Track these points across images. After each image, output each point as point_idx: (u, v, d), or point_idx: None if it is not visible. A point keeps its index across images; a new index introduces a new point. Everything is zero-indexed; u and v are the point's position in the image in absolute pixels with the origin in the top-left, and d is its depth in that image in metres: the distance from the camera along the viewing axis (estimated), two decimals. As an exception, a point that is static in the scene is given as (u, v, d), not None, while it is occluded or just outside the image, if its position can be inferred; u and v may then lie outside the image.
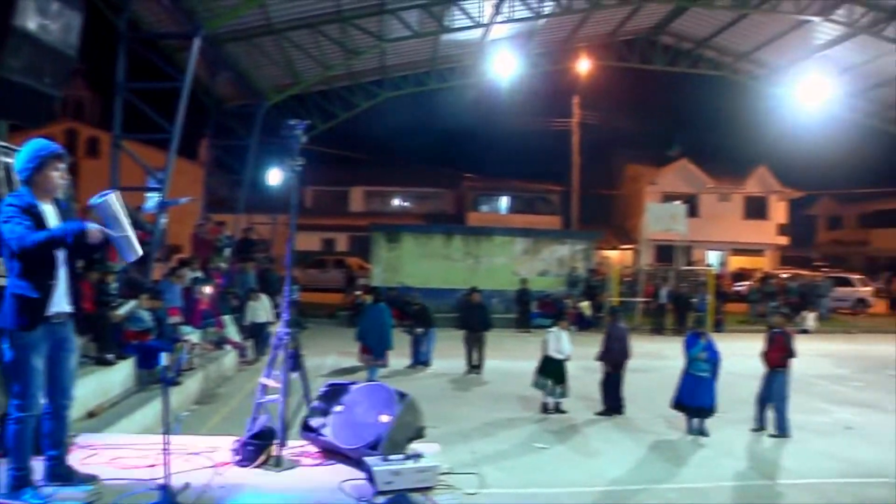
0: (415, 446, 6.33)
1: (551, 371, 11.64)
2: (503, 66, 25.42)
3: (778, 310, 13.50)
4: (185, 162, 25.42)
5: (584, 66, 30.07)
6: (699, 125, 60.50)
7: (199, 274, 15.21)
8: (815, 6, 22.17)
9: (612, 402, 11.74)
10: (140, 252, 4.55)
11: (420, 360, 16.00)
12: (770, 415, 10.75)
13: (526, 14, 22.65)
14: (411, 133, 57.45)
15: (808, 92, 26.53)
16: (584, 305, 23.21)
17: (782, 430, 10.56)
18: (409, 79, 28.20)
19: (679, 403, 10.60)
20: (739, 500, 8.09)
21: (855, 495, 8.21)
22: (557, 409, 11.66)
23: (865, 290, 33.90)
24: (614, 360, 11.71)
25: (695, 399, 10.42)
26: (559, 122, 39.57)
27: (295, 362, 6.71)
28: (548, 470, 8.80)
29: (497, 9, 22.12)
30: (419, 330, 16.20)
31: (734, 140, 53.01)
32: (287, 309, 7.35)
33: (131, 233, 4.45)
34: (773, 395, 10.65)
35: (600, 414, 11.62)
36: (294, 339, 6.80)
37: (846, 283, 33.89)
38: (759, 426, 10.81)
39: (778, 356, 10.68)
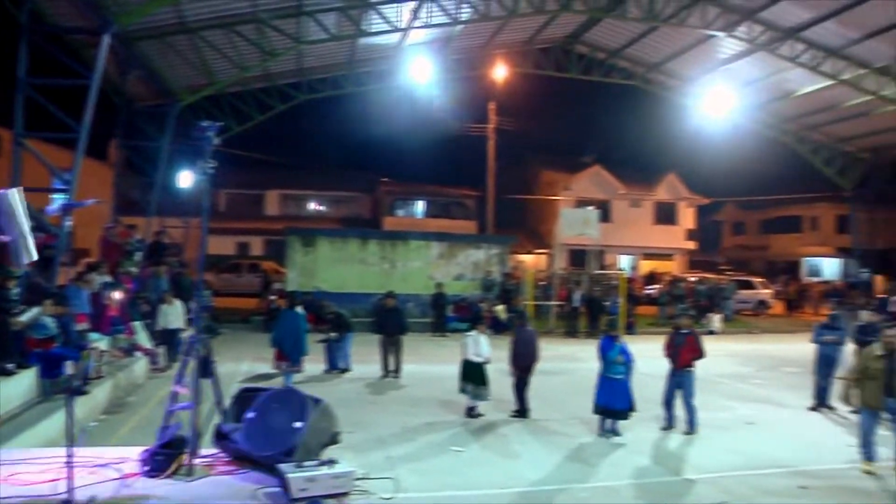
0: (330, 452, 6.30)
1: (471, 374, 11.73)
2: (421, 70, 25.53)
3: (686, 312, 13.95)
4: (93, 163, 24.54)
5: (500, 72, 30.46)
6: (612, 133, 62.12)
7: (107, 279, 14.74)
8: (719, 22, 23.14)
9: (523, 404, 11.94)
10: (35, 256, 4.39)
11: (334, 365, 15.87)
12: (679, 413, 11.13)
13: (443, 20, 22.84)
14: (328, 136, 57.21)
15: (713, 103, 27.62)
16: (500, 309, 23.47)
17: (692, 427, 10.97)
18: (327, 81, 28.04)
19: (600, 407, 10.77)
20: (649, 497, 8.30)
21: (755, 486, 8.56)
22: (473, 412, 11.74)
23: (766, 293, 35.45)
24: (523, 363, 11.87)
25: (614, 402, 10.64)
26: (476, 128, 39.90)
27: (207, 369, 6.60)
28: (465, 473, 8.86)
29: (415, 14, 22.22)
30: (333, 335, 16.07)
31: (645, 148, 54.70)
32: (199, 314, 7.22)
33: (29, 234, 4.29)
34: (685, 393, 11.06)
35: (515, 415, 11.79)
36: (206, 345, 6.68)
37: (749, 285, 35.37)
38: (668, 424, 11.18)
39: (689, 356, 11.07)
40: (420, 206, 47.43)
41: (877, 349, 9.18)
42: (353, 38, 23.46)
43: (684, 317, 12.11)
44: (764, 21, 23.50)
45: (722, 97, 27.45)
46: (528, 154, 49.46)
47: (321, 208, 51.33)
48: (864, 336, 12.66)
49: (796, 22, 23.19)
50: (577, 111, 54.14)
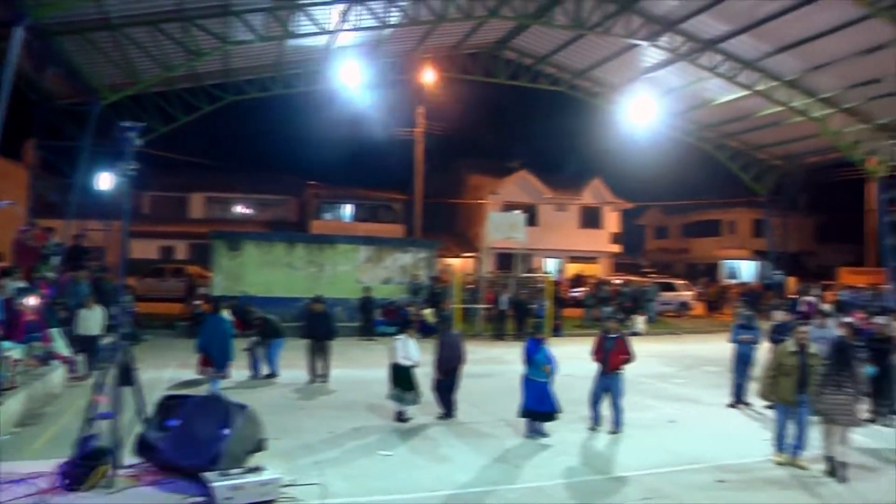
0: (256, 459, 6.26)
1: (401, 378, 11.73)
2: (349, 73, 25.44)
3: (614, 315, 14.23)
4: (6, 163, 23.62)
5: (429, 76, 30.56)
6: (539, 138, 63.02)
7: (22, 284, 14.21)
8: (642, 32, 23.76)
9: (448, 406, 12.02)
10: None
11: (257, 370, 15.64)
12: (606, 413, 11.39)
13: (372, 23, 22.80)
14: (255, 139, 56.37)
15: (637, 110, 28.35)
16: (428, 313, 23.53)
17: (618, 427, 11.24)
18: (254, 83, 27.67)
19: (526, 409, 10.89)
20: (576, 496, 8.44)
21: (677, 483, 8.83)
22: (403, 417, 11.75)
23: (687, 294, 36.48)
24: (449, 365, 11.95)
25: (540, 404, 10.78)
26: (404, 132, 39.93)
27: (128, 376, 6.45)
28: (393, 477, 8.87)
29: (343, 16, 22.12)
30: (255, 339, 15.86)
31: (571, 153, 55.60)
32: (120, 320, 7.05)
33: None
34: (614, 395, 11.31)
35: (441, 418, 11.85)
36: (127, 352, 6.54)
37: (671, 288, 36.34)
38: (595, 425, 11.41)
39: (619, 360, 11.33)
40: (348, 210, 47.19)
41: (790, 346, 9.59)
42: (281, 40, 23.21)
43: (613, 321, 12.36)
44: (685, 32, 24.25)
45: (645, 104, 28.25)
46: (455, 158, 49.81)
47: (248, 211, 50.57)
48: (778, 335, 13.16)
49: (715, 34, 24.01)
50: (505, 116, 54.80)
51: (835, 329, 13.21)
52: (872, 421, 12.00)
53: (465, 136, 50.01)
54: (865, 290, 31.58)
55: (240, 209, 50.66)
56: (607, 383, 11.36)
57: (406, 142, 40.04)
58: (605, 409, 11.43)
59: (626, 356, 11.38)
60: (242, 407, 6.55)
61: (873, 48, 22.17)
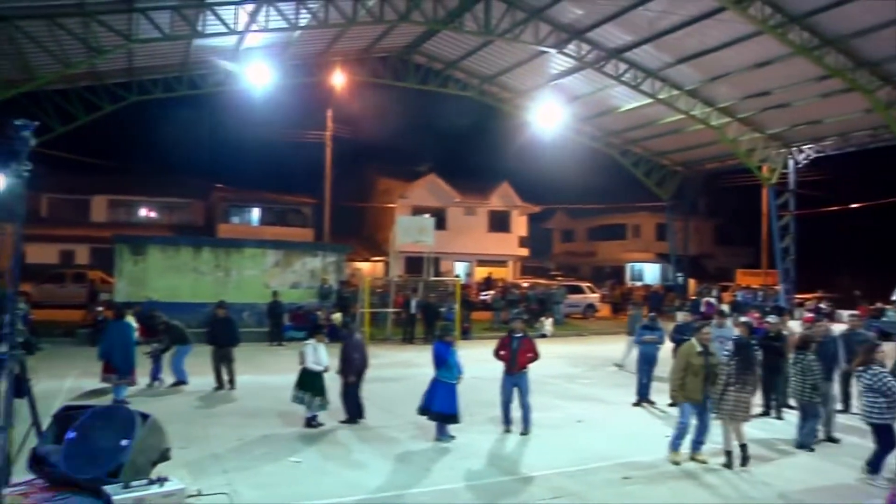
0: (160, 470, 6.07)
1: (310, 383, 11.58)
2: (258, 75, 25.05)
3: (520, 316, 14.42)
4: None
5: (339, 79, 30.37)
6: (448, 142, 63.32)
7: None
8: (550, 39, 24.25)
9: (354, 410, 11.97)
10: None
11: (157, 377, 15.16)
12: (515, 414, 11.53)
13: (282, 25, 22.47)
14: (161, 140, 54.81)
15: (544, 116, 28.89)
16: (337, 317, 23.35)
17: (527, 427, 11.40)
18: (159, 83, 26.92)
19: (434, 412, 10.85)
20: (485, 497, 8.49)
21: (584, 481, 8.99)
22: (313, 423, 11.61)
23: (594, 297, 37.36)
24: (354, 370, 11.90)
25: (447, 406, 10.79)
26: (313, 135, 39.56)
27: (21, 388, 6.17)
28: (303, 483, 8.74)
29: (252, 17, 21.73)
30: (156, 346, 15.38)
31: (480, 157, 56.20)
32: (13, 329, 6.73)
33: None
34: (522, 393, 11.43)
35: (344, 422, 11.77)
36: (20, 362, 6.26)
37: (578, 290, 37.13)
38: (506, 426, 11.54)
39: (526, 359, 11.48)
40: (256, 214, 46.45)
41: (696, 346, 9.90)
42: (188, 39, 22.66)
43: (519, 321, 12.53)
44: (591, 41, 24.88)
45: (552, 110, 28.83)
46: (365, 162, 49.66)
47: (152, 215, 49.13)
48: (680, 335, 13.60)
49: (619, 43, 24.73)
50: (415, 120, 54.77)
51: (733, 328, 13.75)
52: (765, 414, 12.60)
53: (374, 139, 49.91)
54: (760, 291, 33.07)
55: (144, 212, 49.15)
56: (514, 382, 11.50)
57: (316, 145, 39.72)
58: (515, 410, 11.58)
59: (532, 355, 11.56)
60: (145, 416, 6.33)
61: (764, 62, 23.36)
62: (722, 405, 9.64)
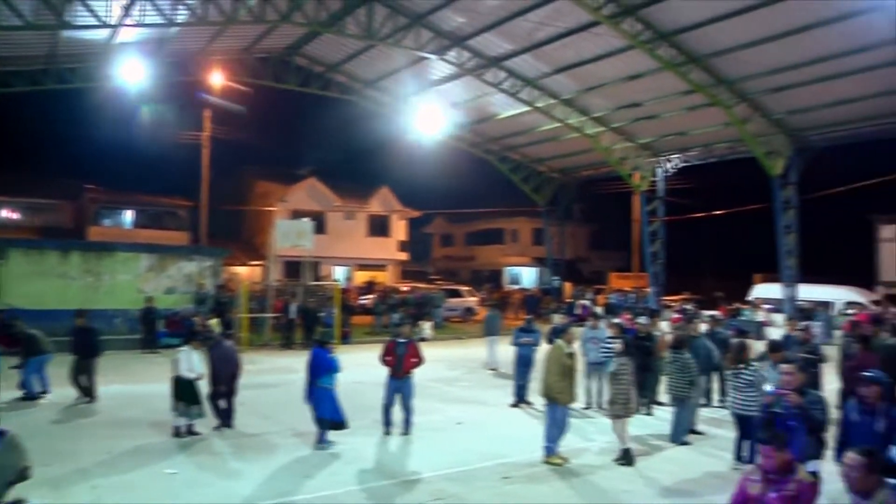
0: (19, 490, 5.74)
1: (184, 392, 11.23)
2: (131, 71, 24.03)
3: (405, 321, 14.49)
4: None
5: (217, 79, 29.55)
6: (329, 146, 62.94)
7: None
8: (431, 46, 24.47)
9: (226, 417, 11.74)
10: None
11: (30, 390, 14.29)
12: (397, 419, 11.61)
13: (158, 20, 21.54)
14: (25, 137, 51.73)
15: (425, 121, 29.14)
16: (214, 323, 22.69)
17: (408, 429, 11.54)
18: (22, 75, 25.39)
19: (318, 418, 10.79)
20: (367, 502, 8.52)
21: (465, 482, 9.16)
22: (190, 432, 11.26)
23: (472, 300, 37.94)
24: (223, 377, 11.66)
25: (329, 411, 10.74)
26: (190, 136, 38.36)
27: None
28: (180, 496, 8.50)
29: (126, 11, 20.73)
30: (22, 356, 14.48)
31: (361, 162, 56.03)
32: None
33: None
34: (405, 397, 11.59)
35: (217, 429, 11.52)
36: None
37: (457, 294, 37.64)
38: (387, 430, 11.59)
39: (412, 363, 11.62)
40: (129, 216, 44.47)
41: (564, 347, 10.20)
42: (55, 30, 21.46)
43: (406, 326, 12.61)
44: (472, 48, 25.29)
45: (433, 115, 29.11)
46: (244, 164, 48.65)
47: (15, 216, 46.12)
48: (556, 337, 14.00)
49: (500, 52, 25.25)
50: (295, 123, 54.24)
51: (606, 330, 14.27)
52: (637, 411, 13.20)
53: (254, 141, 49.04)
54: (631, 294, 34.46)
55: (6, 214, 46.13)
56: (398, 386, 11.60)
57: (192, 146, 38.54)
58: (397, 413, 11.63)
59: (417, 360, 11.74)
60: (2, 433, 5.96)
61: (635, 75, 24.45)
62: (612, 403, 10.03)
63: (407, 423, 11.61)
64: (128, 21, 21.11)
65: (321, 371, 10.81)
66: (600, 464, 10.03)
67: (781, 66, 21.91)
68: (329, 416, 10.74)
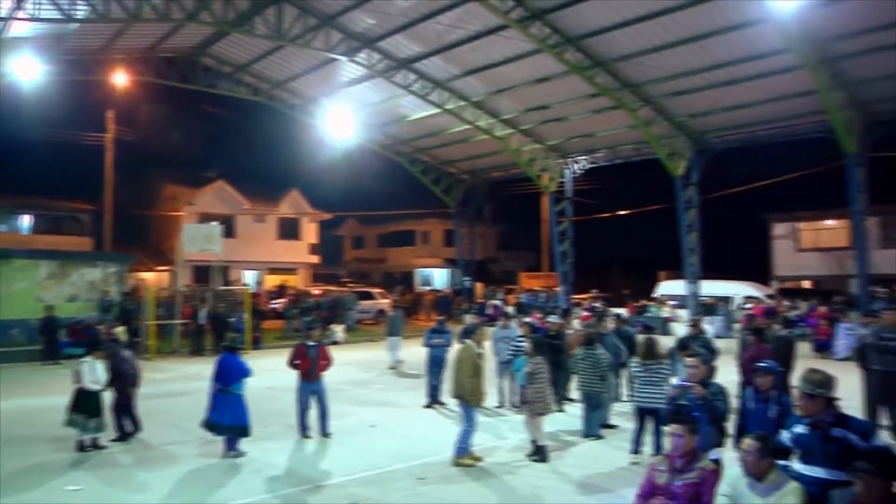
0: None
1: (86, 404, 10.79)
2: (24, 68, 22.94)
3: (315, 324, 14.38)
4: None
5: (120, 78, 28.52)
6: (238, 148, 61.71)
7: None
8: (341, 47, 24.37)
9: (129, 428, 11.46)
10: None
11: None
12: (312, 422, 11.55)
13: (54, 14, 20.62)
14: None
15: (335, 123, 29.01)
16: (120, 331, 21.97)
17: (325, 432, 11.52)
18: None
19: (218, 425, 10.55)
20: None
21: (380, 485, 9.14)
22: (96, 446, 10.85)
23: (384, 302, 37.84)
24: (122, 387, 11.36)
25: (238, 418, 10.53)
26: (92, 137, 36.99)
27: None
28: (84, 511, 8.23)
29: (18, 3, 19.75)
30: None
31: (271, 164, 55.20)
32: None
33: None
34: (320, 399, 11.54)
35: (115, 440, 11.19)
36: None
37: (369, 296, 37.56)
38: (304, 434, 11.51)
39: (321, 365, 11.61)
40: (27, 221, 42.45)
41: (474, 348, 10.32)
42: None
43: (316, 329, 12.53)
44: (382, 50, 25.30)
45: (343, 117, 28.99)
46: (150, 167, 47.13)
47: None
48: (467, 338, 14.15)
49: (410, 54, 25.35)
50: (203, 124, 52.84)
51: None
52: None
53: (160, 143, 47.51)
54: (541, 293, 35.09)
55: None
56: (313, 389, 11.55)
57: (95, 148, 37.13)
58: (312, 418, 11.56)
59: (326, 362, 11.80)
60: None
61: (543, 78, 24.97)
62: (530, 402, 10.19)
63: (323, 428, 11.57)
64: (20, 14, 20.09)
65: (231, 377, 10.60)
66: (514, 461, 10.18)
67: (682, 72, 22.80)
68: (228, 422, 10.52)
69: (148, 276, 39.56)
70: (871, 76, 21.79)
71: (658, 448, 9.73)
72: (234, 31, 24.09)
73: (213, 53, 28.44)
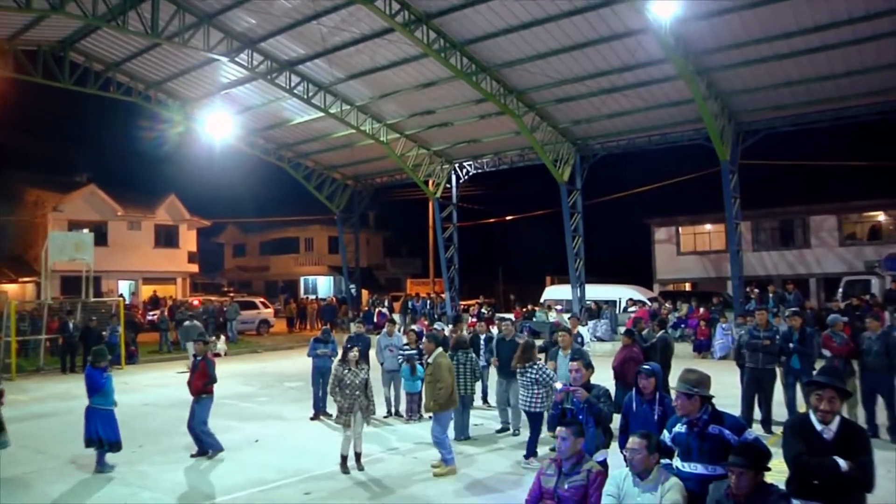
0: None
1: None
2: None
3: (202, 338, 13.71)
4: None
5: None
6: (111, 151, 59.09)
7: None
8: (222, 47, 23.52)
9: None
10: None
11: None
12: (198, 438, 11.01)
13: None
14: None
15: (214, 126, 28.08)
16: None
17: (216, 450, 11.00)
18: None
19: (95, 441, 10.01)
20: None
21: (265, 501, 8.76)
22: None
23: (268, 312, 37.03)
24: None
25: (108, 433, 10.02)
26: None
27: None
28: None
29: None
30: None
31: (146, 168, 53.06)
32: None
33: None
34: (199, 418, 10.94)
35: None
36: None
37: (251, 306, 36.52)
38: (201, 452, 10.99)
39: (202, 382, 10.98)
40: None
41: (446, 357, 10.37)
42: None
43: (199, 343, 11.94)
44: (264, 52, 24.57)
45: (223, 120, 28.07)
46: (10, 170, 44.22)
47: None
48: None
49: (293, 56, 24.73)
50: (71, 125, 50.29)
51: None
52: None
53: (21, 144, 44.82)
54: (428, 299, 35.03)
55: None
56: (192, 407, 11.01)
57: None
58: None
59: (208, 378, 11.15)
60: None
61: (429, 83, 24.91)
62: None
63: (208, 446, 11.00)
64: None
65: (90, 392, 10.19)
66: (402, 470, 9.96)
67: (565, 78, 23.20)
68: (98, 437, 9.98)
69: (10, 288, 37.24)
70: (742, 87, 22.87)
71: (533, 450, 9.93)
72: (104, 25, 22.74)
73: (83, 49, 26.78)
